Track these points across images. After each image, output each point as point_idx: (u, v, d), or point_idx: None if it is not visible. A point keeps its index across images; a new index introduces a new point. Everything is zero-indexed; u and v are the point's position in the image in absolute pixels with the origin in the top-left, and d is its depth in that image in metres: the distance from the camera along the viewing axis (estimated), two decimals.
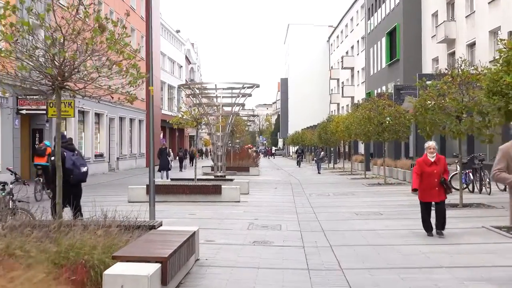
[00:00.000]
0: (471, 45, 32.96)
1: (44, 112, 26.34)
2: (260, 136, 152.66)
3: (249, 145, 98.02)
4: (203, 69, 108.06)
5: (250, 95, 25.37)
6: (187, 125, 18.11)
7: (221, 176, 24.80)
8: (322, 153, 37.58)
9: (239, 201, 16.97)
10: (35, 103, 25.61)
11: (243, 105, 25.64)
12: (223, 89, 25.60)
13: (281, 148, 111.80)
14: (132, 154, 44.82)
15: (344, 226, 12.06)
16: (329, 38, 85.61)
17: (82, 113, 33.81)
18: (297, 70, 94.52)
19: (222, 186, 17.22)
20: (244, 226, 11.82)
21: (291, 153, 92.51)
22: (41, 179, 17.90)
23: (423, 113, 14.96)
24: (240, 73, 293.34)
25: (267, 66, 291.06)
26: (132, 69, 7.45)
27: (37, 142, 27.44)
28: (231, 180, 20.49)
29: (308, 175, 33.99)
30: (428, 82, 15.86)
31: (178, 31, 79.81)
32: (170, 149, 41.50)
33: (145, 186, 17.21)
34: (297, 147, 63.69)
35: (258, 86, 25.05)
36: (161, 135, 60.39)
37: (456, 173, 19.60)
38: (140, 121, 47.16)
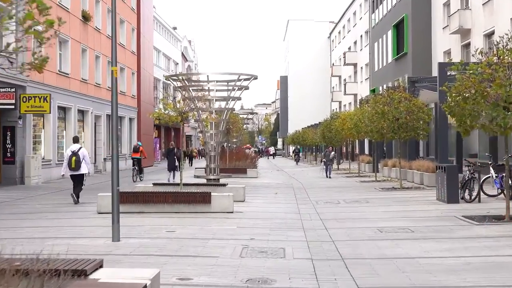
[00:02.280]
0: (489, 35, 30.02)
1: (13, 107, 23.51)
2: (259, 136, 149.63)
3: (247, 145, 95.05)
4: (201, 67, 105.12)
5: (247, 87, 22.48)
6: (170, 120, 15.11)
7: (214, 179, 21.91)
8: (333, 153, 32.35)
9: (232, 212, 13.99)
10: (3, 95, 22.68)
11: (239, 99, 22.69)
12: (217, 81, 22.77)
13: (280, 148, 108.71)
14: (122, 154, 41.77)
15: (369, 250, 9.08)
16: (330, 34, 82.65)
17: (63, 109, 30.84)
18: (297, 67, 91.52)
19: (212, 194, 14.21)
20: (236, 251, 8.85)
21: (291, 153, 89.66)
22: (136, 168, 27.62)
23: (460, 103, 11.97)
24: (238, 71, 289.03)
25: (266, 64, 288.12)
26: (31, 8, 4.44)
27: (8, 142, 24.57)
28: (224, 185, 17.49)
29: (311, 177, 31.02)
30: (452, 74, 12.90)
31: (175, 28, 77.41)
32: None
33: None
34: (295, 147, 63.17)
35: (256, 77, 22.20)
36: (155, 135, 57.43)
37: (489, 177, 16.72)
38: (130, 119, 44.17)
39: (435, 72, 36.24)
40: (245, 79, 22.27)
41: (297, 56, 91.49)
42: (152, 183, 18.01)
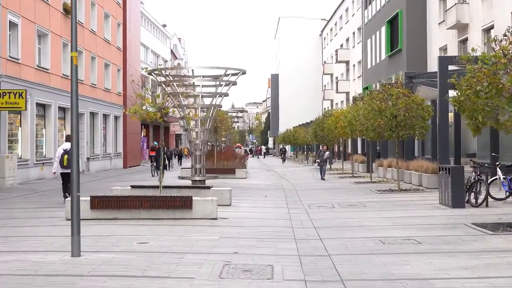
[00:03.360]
0: (488, 30, 28.84)
1: None
2: (250, 135, 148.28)
3: (238, 144, 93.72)
4: (191, 65, 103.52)
5: (234, 83, 21.09)
6: (148, 116, 13.67)
7: (199, 181, 20.49)
8: (327, 153, 29.36)
9: (216, 218, 12.60)
10: None
11: (226, 95, 21.29)
12: (203, 76, 21.36)
13: (271, 147, 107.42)
14: (107, 154, 40.31)
15: (373, 268, 7.71)
16: (322, 31, 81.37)
17: (43, 106, 29.30)
18: (288, 65, 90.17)
19: (194, 198, 12.80)
20: (215, 271, 7.45)
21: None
22: (154, 164, 31.77)
23: (471, 98, 10.63)
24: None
25: (258, 63, 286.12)
26: None
27: None
28: (209, 187, 16.08)
29: (303, 178, 29.69)
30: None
31: (164, 25, 76.17)
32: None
33: (89, 198, 12.82)
34: (281, 146, 66.08)
35: (244, 72, 20.80)
36: (142, 134, 55.87)
37: (495, 179, 15.44)
38: (116, 117, 42.62)
39: (430, 69, 35.09)
40: (232, 74, 20.92)
41: (288, 54, 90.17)
42: (130, 185, 16.56)
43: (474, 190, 14.60)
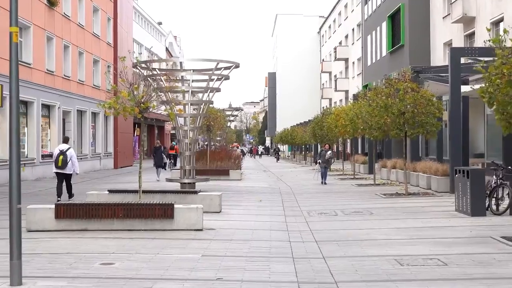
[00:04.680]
0: (496, 23, 27.19)
1: None
2: (247, 135, 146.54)
3: (235, 143, 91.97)
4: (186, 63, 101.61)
5: (227, 77, 19.44)
6: (124, 111, 11.94)
7: (188, 183, 18.82)
8: (329, 152, 25.64)
9: (201, 229, 10.87)
10: None
11: (218, 90, 19.58)
12: (193, 70, 19.70)
13: (269, 147, 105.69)
14: (96, 154, 38.50)
15: None
16: (320, 29, 79.68)
17: (25, 103, 27.52)
18: (285, 63, 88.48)
19: (176, 206, 11.05)
20: None
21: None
22: (172, 161, 35.15)
23: (502, 89, 8.92)
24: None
25: (255, 62, 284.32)
26: None
27: None
28: (196, 192, 14.32)
29: (301, 180, 27.92)
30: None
31: (160, 23, 74.58)
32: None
33: (53, 206, 11.05)
34: (275, 146, 70.33)
35: (237, 65, 19.20)
36: (135, 133, 53.99)
37: None
38: (106, 115, 40.77)
39: (434, 65, 33.41)
40: (225, 68, 19.27)
41: (286, 52, 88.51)
42: (108, 190, 14.78)
43: (495, 196, 12.91)
